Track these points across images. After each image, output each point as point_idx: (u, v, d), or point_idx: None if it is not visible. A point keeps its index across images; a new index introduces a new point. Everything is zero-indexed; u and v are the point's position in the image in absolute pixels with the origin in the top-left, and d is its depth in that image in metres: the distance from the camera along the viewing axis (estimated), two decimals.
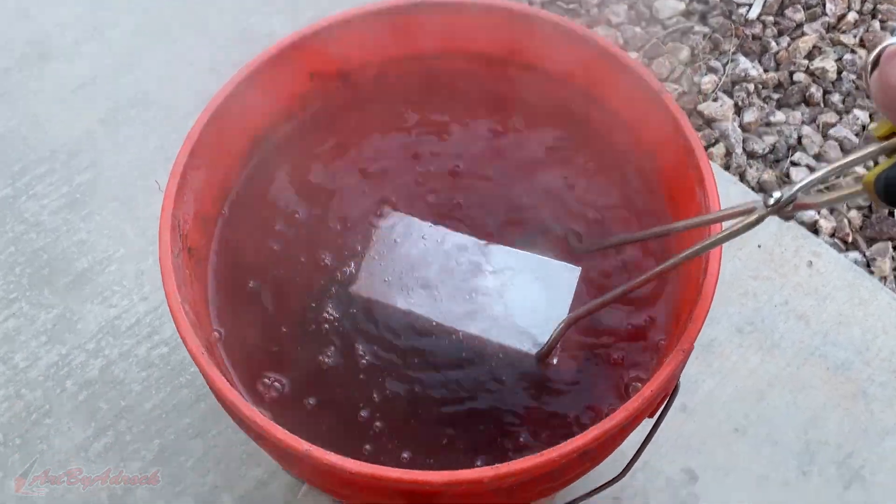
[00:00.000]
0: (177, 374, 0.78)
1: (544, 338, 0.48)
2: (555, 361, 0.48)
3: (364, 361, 0.48)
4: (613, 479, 0.49)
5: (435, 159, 0.55)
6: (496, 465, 0.36)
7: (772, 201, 0.36)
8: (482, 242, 0.52)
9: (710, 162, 0.84)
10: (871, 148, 0.34)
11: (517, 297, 0.50)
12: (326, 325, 0.49)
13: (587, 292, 0.50)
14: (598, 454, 0.41)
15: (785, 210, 0.36)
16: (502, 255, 0.51)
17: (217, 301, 0.48)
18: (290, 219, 0.52)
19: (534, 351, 0.48)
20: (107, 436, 0.75)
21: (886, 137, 0.33)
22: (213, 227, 0.49)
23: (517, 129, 0.56)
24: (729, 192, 0.87)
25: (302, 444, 0.36)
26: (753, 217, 0.38)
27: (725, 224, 0.40)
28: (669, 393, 0.43)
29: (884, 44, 0.33)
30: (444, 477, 0.36)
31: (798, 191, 0.36)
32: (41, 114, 0.94)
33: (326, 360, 0.48)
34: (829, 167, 0.36)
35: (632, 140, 0.52)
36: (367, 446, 0.44)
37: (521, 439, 0.44)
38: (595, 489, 0.49)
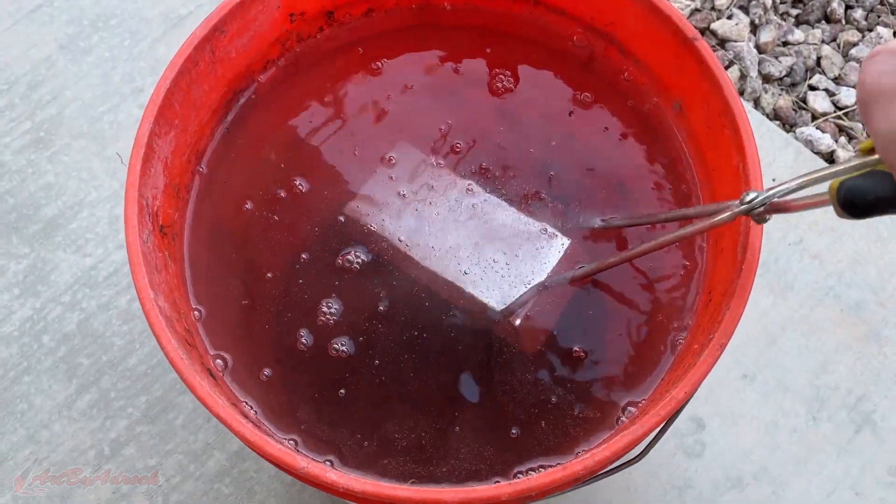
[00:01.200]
0: None
1: (513, 297, 0.46)
2: (517, 322, 0.45)
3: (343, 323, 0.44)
4: (632, 460, 0.46)
5: (432, 105, 0.49)
6: (514, 481, 0.33)
7: (744, 204, 0.36)
8: (483, 192, 0.48)
9: None
10: (854, 161, 0.32)
11: (500, 253, 0.47)
12: (309, 293, 0.45)
13: (567, 266, 0.47)
14: (623, 455, 0.38)
15: (757, 211, 0.36)
16: (499, 210, 0.48)
17: (195, 279, 0.43)
18: (272, 180, 0.47)
19: (499, 308, 0.46)
20: (90, 393, 0.71)
21: (869, 152, 0.32)
22: (186, 197, 0.44)
23: (525, 76, 0.50)
24: None
25: (298, 461, 0.33)
26: (727, 215, 0.37)
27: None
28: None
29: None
30: (457, 495, 0.32)
31: (771, 196, 0.36)
32: None
33: (308, 334, 0.44)
34: (806, 177, 0.35)
35: (659, 93, 0.46)
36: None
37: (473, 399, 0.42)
38: (611, 469, 0.47)
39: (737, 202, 0.36)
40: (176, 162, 0.42)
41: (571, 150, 0.49)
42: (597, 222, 0.47)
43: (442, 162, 0.48)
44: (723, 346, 0.35)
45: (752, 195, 0.36)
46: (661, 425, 0.38)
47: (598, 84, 0.49)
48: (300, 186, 0.47)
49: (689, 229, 0.40)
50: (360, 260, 0.46)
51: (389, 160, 0.48)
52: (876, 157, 0.31)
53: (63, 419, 0.70)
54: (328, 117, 0.48)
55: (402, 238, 0.46)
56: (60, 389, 0.71)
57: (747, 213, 0.36)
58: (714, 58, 0.41)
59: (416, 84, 0.50)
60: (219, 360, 0.42)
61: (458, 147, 0.49)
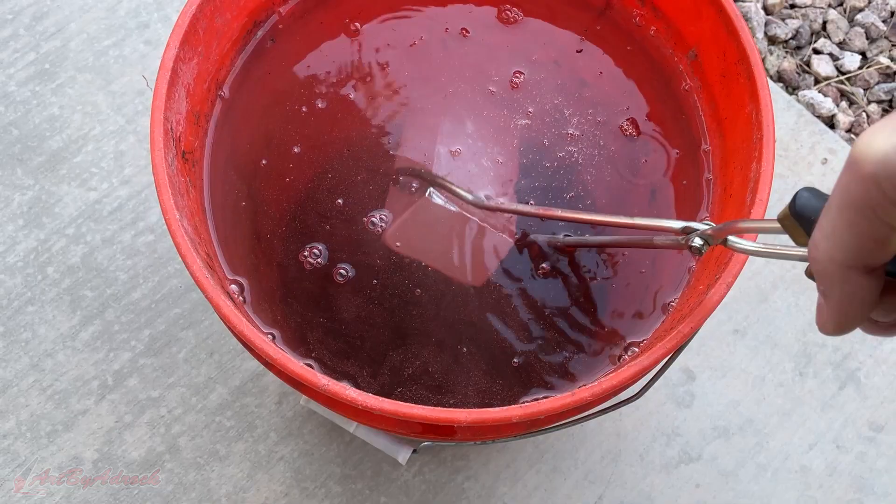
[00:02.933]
0: (164, 263, 0.74)
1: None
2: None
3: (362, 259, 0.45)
4: (629, 398, 0.47)
5: (453, 45, 0.50)
6: (525, 404, 0.34)
7: (685, 227, 0.36)
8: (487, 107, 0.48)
9: None
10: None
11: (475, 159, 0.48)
12: (328, 226, 0.46)
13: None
14: (628, 387, 0.39)
15: (694, 245, 0.36)
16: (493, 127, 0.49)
17: (213, 206, 0.44)
18: (290, 111, 0.47)
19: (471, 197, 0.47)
20: (93, 325, 0.72)
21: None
22: (206, 125, 0.44)
23: (539, 18, 0.51)
24: None
25: (320, 379, 0.34)
26: (680, 239, 0.38)
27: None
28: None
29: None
30: (471, 416, 0.34)
31: (708, 230, 0.36)
32: None
33: (325, 262, 0.45)
34: (766, 225, 0.34)
35: (675, 41, 0.46)
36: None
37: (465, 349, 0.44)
38: (609, 407, 0.48)
39: (682, 224, 0.36)
40: (198, 89, 0.42)
41: (582, 96, 0.49)
42: (559, 238, 0.48)
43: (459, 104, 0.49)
44: (729, 285, 0.37)
45: (703, 226, 0.35)
46: (665, 359, 0.40)
47: (614, 31, 0.49)
48: (316, 117, 0.47)
49: (639, 239, 0.41)
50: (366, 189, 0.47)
51: (399, 90, 0.48)
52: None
53: (67, 349, 0.71)
54: (348, 50, 0.48)
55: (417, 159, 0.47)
56: (64, 320, 0.72)
57: (686, 245, 0.36)
58: (733, 5, 0.42)
59: (429, 26, 0.50)
60: (234, 286, 0.43)
61: (468, 87, 0.50)
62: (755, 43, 0.41)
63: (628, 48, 0.50)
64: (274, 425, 0.70)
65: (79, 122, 0.78)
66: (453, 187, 0.46)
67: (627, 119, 0.49)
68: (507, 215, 0.47)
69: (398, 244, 0.46)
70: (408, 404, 0.34)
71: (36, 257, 0.74)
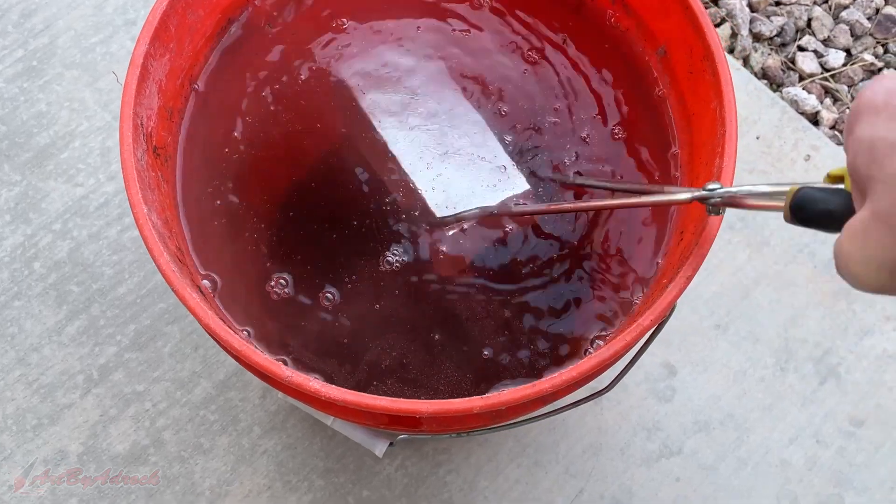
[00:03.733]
0: (150, 258, 0.75)
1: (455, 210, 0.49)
2: (449, 234, 0.47)
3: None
4: (600, 391, 0.48)
5: (430, 34, 0.50)
6: (486, 395, 0.35)
7: (704, 191, 0.37)
8: (472, 110, 0.49)
9: None
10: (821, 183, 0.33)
11: (463, 171, 0.49)
12: (305, 223, 0.47)
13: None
14: (592, 378, 0.40)
15: (713, 201, 0.37)
16: (479, 132, 0.49)
17: (185, 201, 0.44)
18: (263, 108, 0.48)
19: (439, 214, 0.48)
20: (79, 319, 0.73)
21: (835, 180, 0.33)
22: (179, 121, 0.45)
23: (517, 17, 0.51)
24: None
25: (283, 371, 0.34)
26: (685, 196, 0.39)
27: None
28: (668, 314, 0.41)
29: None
30: (432, 406, 0.34)
31: (732, 193, 0.37)
32: None
33: (299, 255, 0.45)
34: (770, 188, 0.35)
35: (645, 38, 0.47)
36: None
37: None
38: (580, 400, 0.49)
39: (698, 189, 0.38)
40: (170, 85, 0.43)
41: (555, 90, 0.50)
42: (568, 177, 0.49)
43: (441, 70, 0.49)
44: (689, 279, 0.37)
45: (714, 185, 0.37)
46: (631, 352, 0.40)
47: (586, 27, 0.50)
48: (290, 114, 0.48)
49: (644, 199, 0.41)
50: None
51: (382, 85, 0.49)
52: (840, 185, 0.32)
53: (53, 344, 0.72)
54: (323, 45, 0.49)
55: (377, 116, 0.48)
56: (50, 315, 0.73)
57: (703, 200, 0.37)
58: (699, 4, 0.42)
59: (406, 17, 0.51)
60: (206, 281, 0.44)
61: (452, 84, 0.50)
62: (719, 40, 0.41)
63: (604, 45, 0.50)
64: (258, 419, 0.70)
65: (66, 119, 0.79)
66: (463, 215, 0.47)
67: (599, 114, 0.49)
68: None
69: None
70: (370, 395, 0.34)
71: (23, 252, 0.74)
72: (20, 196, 0.76)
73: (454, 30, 0.51)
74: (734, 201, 0.37)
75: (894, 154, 0.26)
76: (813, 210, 0.31)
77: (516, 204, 0.48)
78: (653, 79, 0.48)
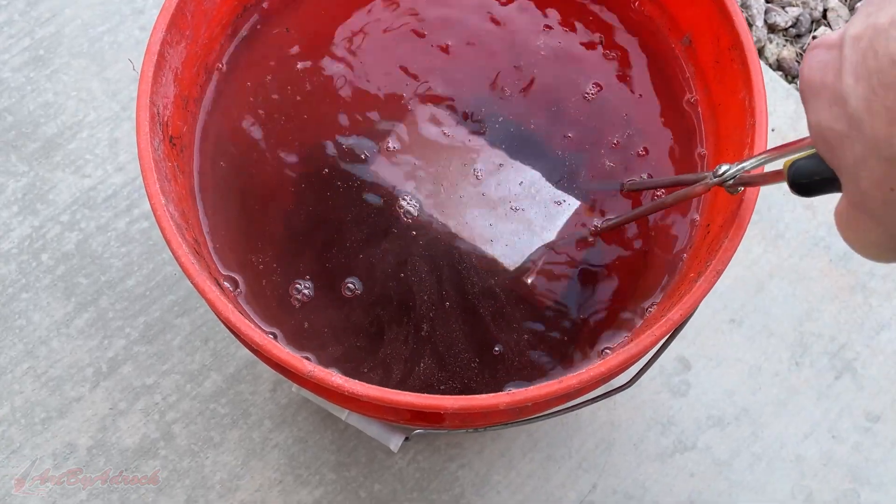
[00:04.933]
0: (159, 250, 0.74)
1: (524, 256, 0.47)
2: (529, 281, 0.46)
3: (353, 247, 0.45)
4: (621, 386, 0.47)
5: (447, 30, 0.49)
6: (512, 391, 0.34)
7: (717, 176, 0.37)
8: (498, 154, 0.48)
9: None
10: (806, 139, 0.33)
11: (514, 214, 0.48)
12: (320, 214, 0.46)
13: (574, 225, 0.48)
14: (616, 375, 0.39)
15: (728, 183, 0.37)
16: (513, 171, 0.48)
17: (203, 192, 0.43)
18: (280, 97, 0.47)
19: (512, 267, 0.47)
20: (88, 312, 0.72)
21: None
22: (195, 110, 0.44)
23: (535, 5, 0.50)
24: None
25: (305, 366, 0.34)
26: (702, 186, 0.39)
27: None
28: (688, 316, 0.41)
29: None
30: (457, 402, 0.34)
31: (741, 170, 0.36)
32: None
33: (320, 249, 0.44)
34: (767, 153, 0.35)
35: (669, 27, 0.46)
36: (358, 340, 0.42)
37: (497, 350, 0.44)
38: (598, 396, 0.48)
39: (710, 174, 0.37)
40: (186, 74, 0.42)
41: (578, 83, 0.49)
42: (616, 185, 0.48)
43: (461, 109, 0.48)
44: (719, 273, 0.36)
45: (724, 167, 0.37)
46: (655, 347, 0.40)
47: (609, 16, 0.49)
48: (305, 104, 0.47)
49: (666, 199, 0.41)
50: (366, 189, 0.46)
51: (397, 73, 0.48)
52: None
53: (61, 336, 0.71)
54: (340, 37, 0.48)
55: (419, 196, 0.47)
56: (59, 307, 0.72)
57: (720, 184, 0.37)
58: None
59: (421, 8, 0.50)
60: (225, 273, 0.43)
61: (468, 77, 0.49)
62: (749, 28, 0.40)
63: (625, 33, 0.49)
64: (268, 412, 0.70)
65: (73, 109, 0.78)
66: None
67: (624, 107, 0.48)
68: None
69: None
70: (395, 391, 0.33)
71: (30, 244, 0.74)
72: (28, 187, 0.75)
73: (485, 21, 0.50)
74: (746, 180, 0.37)
75: (845, 144, 0.25)
76: (810, 181, 0.31)
77: (577, 224, 0.47)
78: (678, 68, 0.47)
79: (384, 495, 0.68)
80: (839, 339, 0.74)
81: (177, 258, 0.35)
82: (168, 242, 0.35)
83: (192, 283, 0.34)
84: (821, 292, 0.76)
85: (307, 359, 0.39)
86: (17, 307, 0.72)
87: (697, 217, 0.44)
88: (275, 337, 0.41)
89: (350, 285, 0.44)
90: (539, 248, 0.47)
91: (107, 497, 0.67)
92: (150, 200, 0.35)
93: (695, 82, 0.46)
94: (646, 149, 0.47)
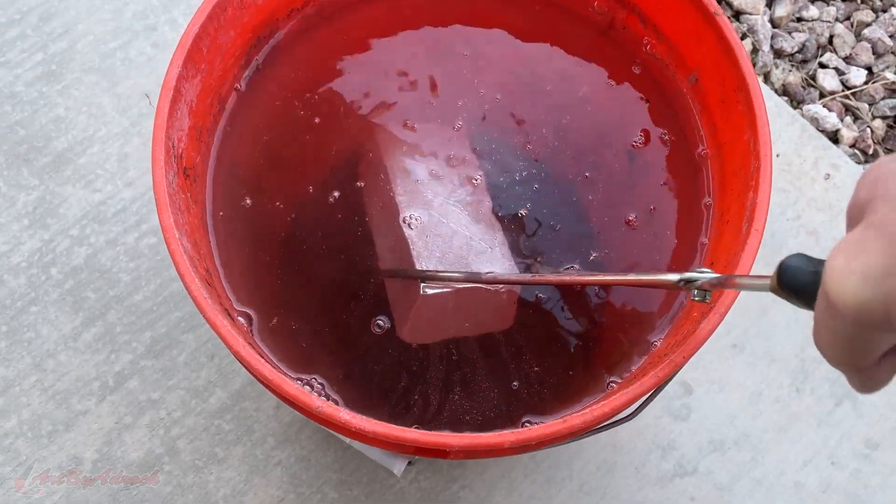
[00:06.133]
0: (167, 265, 0.75)
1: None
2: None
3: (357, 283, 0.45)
4: (624, 418, 0.48)
5: (456, 63, 0.50)
6: (517, 430, 0.35)
7: (681, 280, 0.36)
8: (495, 245, 0.49)
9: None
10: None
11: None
12: (324, 247, 0.46)
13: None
14: (619, 412, 0.39)
15: (693, 293, 0.36)
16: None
17: (214, 222, 0.44)
18: (291, 126, 0.48)
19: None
20: (95, 326, 0.73)
21: None
22: (208, 140, 0.44)
23: (543, 38, 0.51)
24: None
25: (314, 401, 0.34)
26: (671, 279, 0.38)
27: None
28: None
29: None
30: (462, 440, 0.34)
31: (706, 282, 0.35)
32: None
33: (338, 284, 0.45)
34: (759, 282, 0.34)
35: (676, 65, 0.47)
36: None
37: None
38: (604, 426, 0.49)
39: (680, 278, 0.36)
40: (200, 106, 0.42)
41: (584, 115, 0.50)
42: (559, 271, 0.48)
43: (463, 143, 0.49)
44: (722, 316, 0.37)
45: (689, 275, 0.36)
46: (657, 387, 0.40)
47: (616, 52, 0.49)
48: (315, 133, 0.48)
49: (632, 278, 0.40)
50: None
51: (407, 125, 0.49)
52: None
53: (69, 350, 0.72)
54: (348, 68, 0.48)
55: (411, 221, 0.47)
56: (67, 321, 0.73)
57: (689, 282, 0.36)
58: (733, 33, 0.42)
59: (432, 44, 0.50)
60: (237, 306, 0.43)
61: (475, 106, 0.50)
62: (754, 70, 0.41)
63: (631, 69, 0.50)
64: (272, 430, 0.70)
65: (84, 124, 0.79)
66: (445, 275, 0.45)
67: (629, 140, 0.49)
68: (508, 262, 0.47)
69: (417, 341, 0.46)
70: (400, 427, 0.34)
71: (40, 258, 0.74)
72: (38, 201, 0.76)
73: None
74: (720, 285, 0.36)
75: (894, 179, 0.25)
76: (799, 277, 0.29)
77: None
78: (684, 105, 0.48)
79: None
80: None
81: (190, 293, 0.35)
82: (182, 278, 0.35)
83: (206, 318, 0.35)
84: None
85: (310, 384, 0.40)
86: (26, 320, 0.72)
87: (699, 260, 0.45)
88: (310, 385, 0.42)
89: (379, 322, 0.45)
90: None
91: None
92: (164, 235, 0.36)
93: (701, 119, 0.46)
94: (646, 180, 0.48)
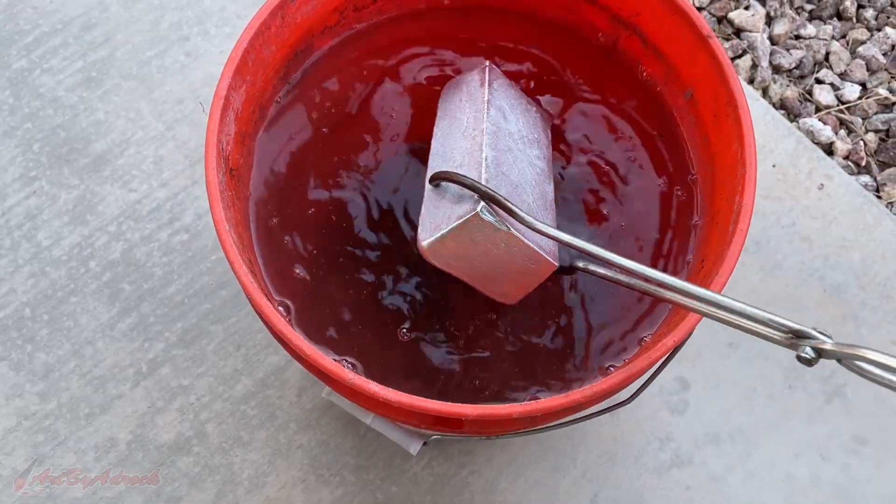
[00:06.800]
0: (197, 261, 0.80)
1: None
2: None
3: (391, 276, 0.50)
4: (622, 402, 0.52)
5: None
6: (525, 402, 0.39)
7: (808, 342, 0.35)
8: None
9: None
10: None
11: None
12: (357, 246, 0.51)
13: None
14: (619, 390, 0.44)
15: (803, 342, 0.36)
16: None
17: (255, 218, 0.49)
18: (325, 132, 0.52)
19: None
20: (131, 316, 0.78)
21: None
22: (250, 144, 0.49)
23: (547, 56, 0.56)
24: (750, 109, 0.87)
25: (347, 374, 0.39)
26: (779, 337, 0.38)
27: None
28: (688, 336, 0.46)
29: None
30: (475, 411, 0.39)
31: (844, 354, 0.33)
32: None
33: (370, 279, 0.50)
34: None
35: (674, 82, 0.51)
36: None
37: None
38: (603, 410, 0.53)
39: (787, 334, 0.35)
40: (245, 112, 0.47)
41: (585, 125, 0.54)
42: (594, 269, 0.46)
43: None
44: (725, 280, 0.41)
45: (823, 339, 0.33)
46: (652, 369, 0.45)
47: (618, 69, 0.54)
48: (346, 137, 0.53)
49: (737, 320, 0.39)
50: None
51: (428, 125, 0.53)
52: None
53: (106, 338, 0.77)
54: (377, 79, 0.53)
55: None
56: (104, 311, 0.78)
57: (801, 339, 0.35)
58: (724, 54, 0.46)
59: (450, 61, 0.55)
60: (276, 296, 0.48)
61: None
62: (742, 88, 0.46)
63: (633, 86, 0.54)
64: (294, 416, 0.75)
65: (122, 127, 0.84)
66: (512, 206, 0.41)
67: (630, 149, 0.53)
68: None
69: (434, 260, 0.44)
70: (422, 398, 0.39)
71: (79, 252, 0.79)
72: (78, 199, 0.81)
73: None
74: (845, 362, 0.33)
75: None
76: None
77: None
78: (680, 117, 0.52)
79: (399, 497, 0.73)
80: (830, 365, 0.79)
81: (239, 277, 0.40)
82: (231, 264, 0.40)
83: (252, 301, 0.40)
84: (814, 320, 0.80)
85: (352, 367, 0.45)
86: (66, 310, 0.78)
87: (691, 258, 0.49)
88: (350, 365, 0.46)
89: (403, 329, 0.48)
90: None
91: (143, 489, 0.72)
92: (216, 226, 0.41)
93: (695, 130, 0.51)
94: (641, 186, 0.53)
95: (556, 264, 0.45)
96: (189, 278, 0.79)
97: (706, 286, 0.43)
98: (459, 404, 0.39)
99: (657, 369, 0.49)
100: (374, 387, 0.39)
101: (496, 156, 0.45)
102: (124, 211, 0.81)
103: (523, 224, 0.42)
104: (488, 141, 0.45)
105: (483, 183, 0.42)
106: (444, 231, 0.43)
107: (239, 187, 0.47)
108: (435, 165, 0.47)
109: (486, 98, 0.47)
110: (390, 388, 0.39)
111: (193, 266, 0.79)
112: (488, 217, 0.42)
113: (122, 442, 0.74)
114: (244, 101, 0.47)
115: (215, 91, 0.44)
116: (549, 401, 0.39)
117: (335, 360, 0.40)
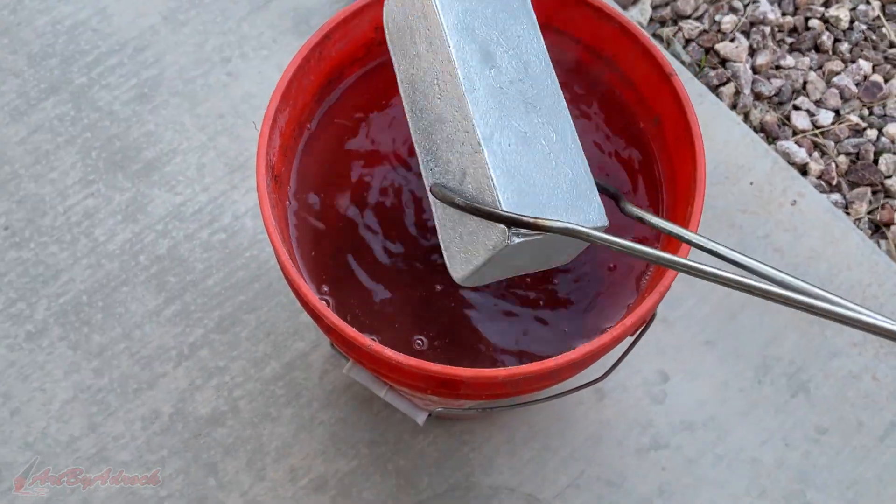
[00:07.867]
0: (233, 257, 0.90)
1: None
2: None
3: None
4: (596, 379, 0.62)
5: None
6: (508, 367, 0.49)
7: None
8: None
9: (719, 101, 0.93)
10: None
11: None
12: (385, 246, 0.61)
13: None
14: (587, 364, 0.54)
15: None
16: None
17: (295, 219, 0.59)
18: (353, 149, 0.63)
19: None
20: (175, 305, 0.88)
21: None
22: (292, 156, 0.60)
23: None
24: (732, 132, 0.96)
25: (366, 340, 0.49)
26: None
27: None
28: (651, 317, 0.55)
29: None
30: (469, 373, 0.49)
31: None
32: (108, 7, 1.01)
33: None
34: None
35: (644, 109, 0.61)
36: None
37: None
38: (581, 385, 0.63)
39: None
40: (287, 130, 0.58)
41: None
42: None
43: None
44: (662, 294, 0.51)
45: None
46: (626, 339, 0.54)
47: (598, 97, 0.64)
48: (371, 149, 0.63)
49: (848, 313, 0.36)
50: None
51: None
52: None
53: (152, 323, 0.87)
54: (398, 101, 0.64)
55: None
56: (151, 299, 0.88)
57: None
58: (684, 90, 0.56)
59: None
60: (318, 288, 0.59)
61: None
62: (697, 118, 0.55)
63: (611, 112, 0.64)
64: (316, 396, 0.85)
65: (169, 138, 0.95)
66: (543, 223, 0.38)
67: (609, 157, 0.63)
68: None
69: (475, 285, 0.44)
70: (427, 362, 0.48)
71: (130, 247, 0.90)
72: (130, 200, 0.92)
73: None
74: None
75: None
76: None
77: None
78: (648, 139, 0.62)
79: (407, 469, 0.82)
80: (797, 363, 0.88)
81: (281, 264, 0.50)
82: (277, 256, 0.50)
83: (293, 285, 0.50)
84: (784, 322, 0.89)
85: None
86: (118, 297, 0.88)
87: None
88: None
89: (418, 340, 0.58)
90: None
91: (183, 454, 0.82)
92: (265, 222, 0.51)
93: (662, 150, 0.61)
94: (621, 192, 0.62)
95: (607, 222, 0.42)
96: (226, 272, 0.89)
97: (660, 278, 0.52)
98: (456, 367, 0.48)
99: (628, 348, 0.58)
100: (388, 352, 0.49)
101: (498, 137, 0.39)
102: (170, 212, 0.92)
103: (554, 231, 0.38)
104: (480, 119, 0.38)
105: (502, 203, 0.38)
106: (477, 264, 0.40)
107: (281, 191, 0.57)
108: (426, 162, 0.42)
109: (449, 43, 0.40)
110: (401, 353, 0.49)
111: (230, 262, 0.90)
112: (520, 240, 0.38)
113: (165, 414, 0.84)
114: (287, 121, 0.57)
115: (265, 113, 0.54)
116: (533, 365, 0.49)
117: (359, 333, 0.50)
